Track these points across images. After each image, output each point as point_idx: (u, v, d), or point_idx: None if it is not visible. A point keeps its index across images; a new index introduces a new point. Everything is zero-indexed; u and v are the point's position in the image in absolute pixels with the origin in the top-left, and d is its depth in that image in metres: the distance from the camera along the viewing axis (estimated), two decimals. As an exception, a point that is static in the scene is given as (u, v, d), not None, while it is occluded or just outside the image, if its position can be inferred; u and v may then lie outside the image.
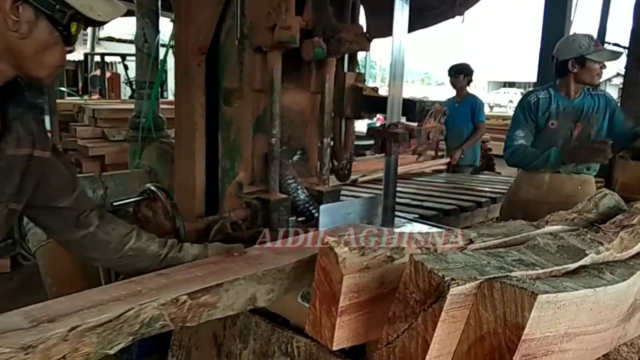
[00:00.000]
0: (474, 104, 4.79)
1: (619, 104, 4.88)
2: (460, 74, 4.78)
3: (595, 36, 6.57)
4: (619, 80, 14.83)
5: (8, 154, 1.08)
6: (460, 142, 4.80)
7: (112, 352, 1.13)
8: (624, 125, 2.81)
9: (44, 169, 1.21)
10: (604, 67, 2.70)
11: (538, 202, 2.68)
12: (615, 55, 2.79)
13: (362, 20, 2.34)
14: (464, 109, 4.77)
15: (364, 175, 3.79)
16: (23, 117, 1.12)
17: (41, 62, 1.06)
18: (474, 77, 4.91)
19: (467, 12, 2.22)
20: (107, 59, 10.69)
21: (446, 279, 0.88)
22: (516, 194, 2.85)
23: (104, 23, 1.15)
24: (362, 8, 2.31)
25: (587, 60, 2.66)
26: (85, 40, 12.52)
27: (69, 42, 1.08)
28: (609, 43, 6.34)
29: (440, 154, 4.99)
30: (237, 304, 1.38)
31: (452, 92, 4.95)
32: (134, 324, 1.15)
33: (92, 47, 11.78)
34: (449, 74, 4.85)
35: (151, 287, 1.26)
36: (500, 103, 27.93)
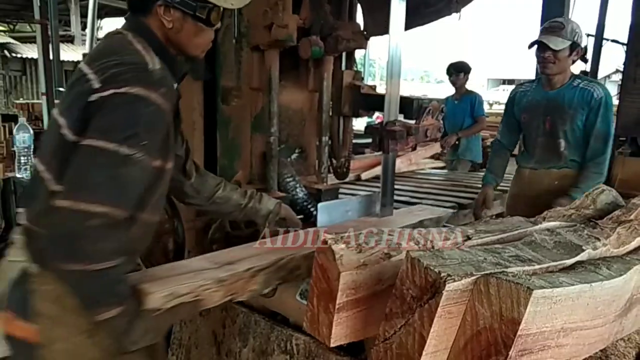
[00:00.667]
0: (473, 99, 4.79)
1: (617, 101, 4.88)
2: (461, 72, 4.76)
3: (593, 33, 6.53)
4: (618, 77, 14.82)
5: (166, 109, 1.22)
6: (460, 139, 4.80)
7: (266, 291, 1.49)
8: (590, 147, 2.51)
9: (178, 124, 1.44)
10: (547, 54, 2.43)
11: (519, 196, 2.70)
12: (532, 43, 2.49)
13: (360, 18, 2.34)
14: (463, 105, 4.77)
15: (364, 172, 3.78)
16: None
17: (195, 45, 1.32)
18: (471, 75, 4.89)
19: (464, 10, 2.23)
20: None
21: (442, 275, 0.88)
22: (510, 189, 2.89)
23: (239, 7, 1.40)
24: (359, 6, 2.32)
25: (530, 48, 2.51)
26: (84, 40, 12.50)
27: (212, 25, 1.30)
28: (607, 39, 6.34)
29: (438, 151, 4.98)
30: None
31: (451, 90, 4.95)
32: (283, 270, 1.49)
33: (91, 48, 11.76)
34: (448, 73, 4.83)
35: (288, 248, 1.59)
36: (500, 100, 27.89)
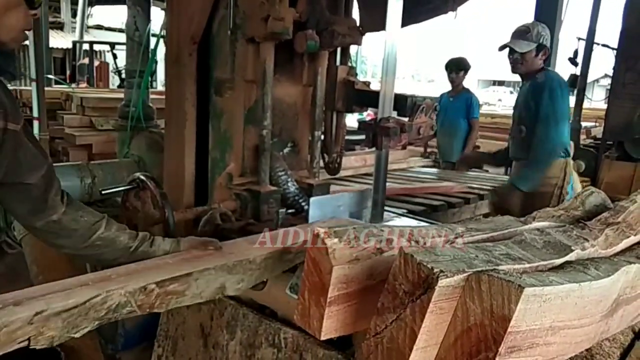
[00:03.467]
0: (469, 99, 4.72)
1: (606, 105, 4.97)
2: (461, 69, 4.69)
3: (584, 37, 6.59)
4: (606, 82, 14.98)
5: None
6: (451, 138, 4.74)
7: (77, 335, 1.13)
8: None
9: (16, 142, 1.17)
10: (514, 56, 2.73)
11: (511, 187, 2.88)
12: (501, 47, 2.80)
13: (356, 14, 2.34)
14: (458, 104, 4.69)
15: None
16: None
17: (4, 25, 1.03)
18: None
19: (459, 9, 2.24)
20: (96, 47, 10.55)
21: (435, 270, 0.89)
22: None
23: None
24: (355, 2, 2.31)
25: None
26: (74, 28, 12.34)
27: (32, 5, 1.06)
28: (597, 44, 6.40)
29: (429, 150, 4.98)
30: (206, 293, 1.39)
31: (441, 89, 4.90)
32: (100, 310, 1.16)
33: (81, 35, 11.60)
34: (447, 69, 4.71)
35: (120, 274, 1.27)
36: (490, 101, 28.08)
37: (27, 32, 1.15)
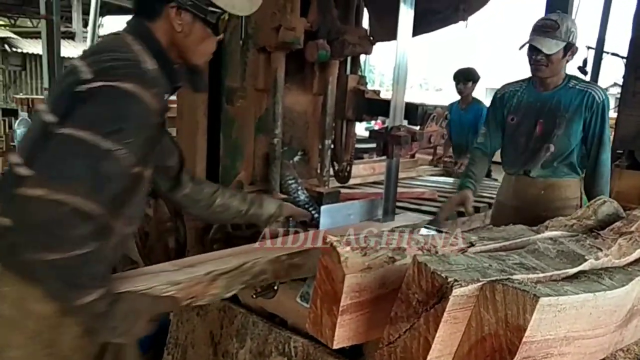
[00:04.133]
0: (479, 110, 4.61)
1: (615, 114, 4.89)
2: (469, 80, 4.53)
3: (594, 45, 6.54)
4: (615, 90, 14.92)
5: (155, 110, 1.20)
6: (464, 150, 4.66)
7: (228, 295, 1.46)
8: (590, 156, 2.33)
9: (164, 133, 1.42)
10: (539, 57, 2.22)
11: (505, 205, 2.52)
12: (529, 41, 2.25)
13: (366, 23, 2.35)
14: (469, 116, 4.61)
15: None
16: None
17: (200, 53, 1.32)
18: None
19: (469, 18, 2.24)
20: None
21: (449, 280, 0.89)
22: (496, 196, 2.69)
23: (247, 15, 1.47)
24: (366, 11, 2.33)
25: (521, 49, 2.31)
26: (85, 37, 12.49)
27: (218, 33, 1.32)
28: (607, 53, 6.39)
29: (437, 156, 4.96)
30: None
31: (449, 98, 4.85)
32: (247, 274, 1.48)
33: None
34: (456, 80, 4.55)
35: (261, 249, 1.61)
36: (498, 110, 27.94)
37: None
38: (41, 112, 1.18)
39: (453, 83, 4.70)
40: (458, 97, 4.77)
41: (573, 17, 5.61)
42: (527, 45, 2.23)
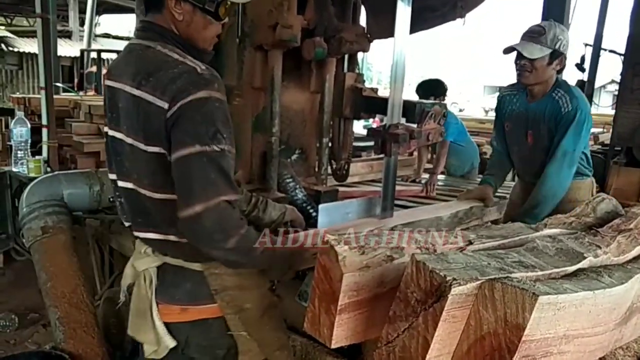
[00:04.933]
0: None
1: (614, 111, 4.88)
2: (430, 96, 3.87)
3: (591, 43, 6.53)
4: (613, 87, 14.91)
5: (225, 101, 1.31)
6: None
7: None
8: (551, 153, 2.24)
9: None
10: (522, 62, 2.18)
11: (517, 204, 2.48)
12: (506, 49, 2.22)
13: (363, 21, 2.34)
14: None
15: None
16: None
17: (203, 38, 1.37)
18: (448, 94, 4.10)
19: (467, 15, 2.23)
20: (104, 55, 10.61)
21: (448, 278, 0.88)
22: (510, 195, 2.71)
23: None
24: (363, 9, 2.32)
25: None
26: (82, 36, 12.44)
27: (220, 19, 1.36)
28: (604, 50, 6.38)
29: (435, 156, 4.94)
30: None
31: (447, 96, 4.58)
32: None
33: (89, 44, 11.68)
34: (418, 94, 4.01)
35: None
36: (496, 108, 27.96)
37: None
38: (125, 139, 1.31)
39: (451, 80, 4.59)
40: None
41: (570, 14, 5.61)
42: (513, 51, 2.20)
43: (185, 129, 1.20)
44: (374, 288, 1.09)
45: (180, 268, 1.38)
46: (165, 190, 1.28)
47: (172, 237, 1.33)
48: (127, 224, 1.46)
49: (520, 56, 2.17)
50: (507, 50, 2.21)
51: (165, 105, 1.21)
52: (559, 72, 2.28)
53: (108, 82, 1.37)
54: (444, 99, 3.94)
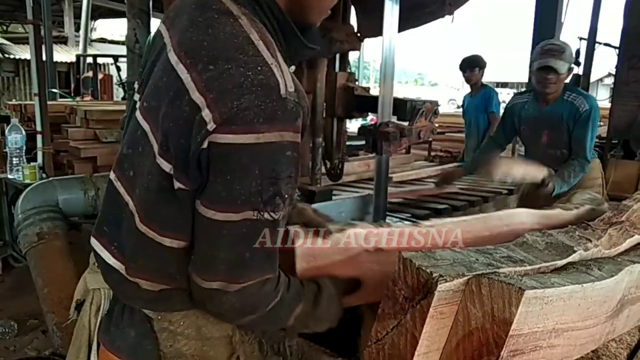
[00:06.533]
0: (487, 94, 4.59)
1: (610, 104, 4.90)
2: (475, 67, 4.58)
3: (586, 36, 6.56)
4: (610, 80, 14.92)
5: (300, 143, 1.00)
6: (475, 137, 4.60)
7: None
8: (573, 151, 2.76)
9: None
10: (550, 76, 2.65)
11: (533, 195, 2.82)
12: (544, 62, 2.66)
13: (354, 20, 2.34)
14: (477, 101, 4.56)
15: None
16: None
17: (320, 7, 1.04)
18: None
19: (457, 12, 2.24)
20: (100, 60, 10.61)
21: (434, 275, 0.88)
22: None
23: None
24: (353, 8, 2.32)
25: (535, 68, 2.72)
26: (78, 41, 12.45)
27: None
28: (599, 43, 6.38)
29: (433, 153, 4.96)
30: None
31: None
32: None
33: (85, 49, 11.69)
34: (462, 69, 4.62)
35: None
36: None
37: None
38: (149, 138, 0.94)
39: (449, 78, 4.72)
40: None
41: (564, 7, 5.62)
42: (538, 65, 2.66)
43: (234, 182, 0.85)
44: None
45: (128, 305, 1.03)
46: (167, 232, 0.93)
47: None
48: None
49: (547, 71, 2.64)
50: (544, 68, 2.65)
51: (211, 125, 0.83)
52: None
53: (160, 27, 1.01)
54: (482, 71, 4.65)
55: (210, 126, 0.83)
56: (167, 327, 1.02)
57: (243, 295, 0.91)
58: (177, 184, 0.89)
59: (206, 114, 0.83)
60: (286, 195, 0.89)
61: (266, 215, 0.87)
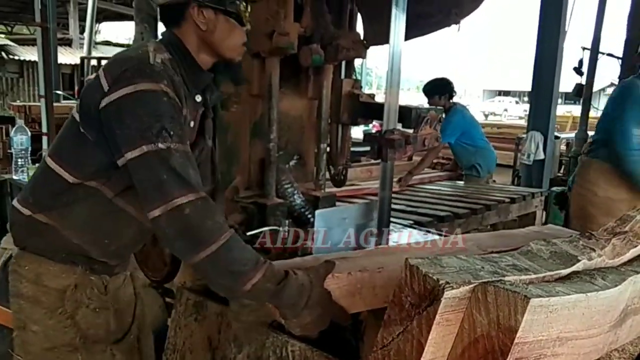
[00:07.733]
0: (447, 117, 3.99)
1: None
2: (435, 94, 3.99)
3: (589, 46, 6.57)
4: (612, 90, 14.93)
5: (177, 100, 1.24)
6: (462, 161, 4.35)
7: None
8: None
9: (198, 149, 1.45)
10: None
11: (617, 200, 2.73)
12: None
13: (360, 27, 2.36)
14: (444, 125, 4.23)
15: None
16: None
17: (229, 47, 1.34)
18: (457, 90, 4.18)
19: (463, 21, 2.26)
20: (104, 63, 10.67)
21: (441, 282, 0.89)
22: (595, 194, 2.85)
23: None
24: (359, 16, 2.34)
25: None
26: (82, 44, 12.51)
27: (243, 23, 1.34)
28: (602, 53, 6.41)
29: (435, 160, 4.96)
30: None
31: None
32: None
33: (89, 51, 11.75)
34: (424, 93, 4.12)
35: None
36: (495, 111, 28.07)
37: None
38: (75, 117, 1.27)
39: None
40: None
41: (567, 18, 5.64)
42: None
43: (127, 125, 1.15)
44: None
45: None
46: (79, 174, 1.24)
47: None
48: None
49: None
50: None
51: (105, 86, 1.18)
52: None
53: None
54: (450, 98, 4.02)
55: (105, 88, 1.17)
56: (16, 269, 1.26)
57: (173, 216, 1.11)
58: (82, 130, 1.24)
59: (103, 81, 1.19)
60: (172, 132, 1.15)
61: (160, 145, 1.13)
